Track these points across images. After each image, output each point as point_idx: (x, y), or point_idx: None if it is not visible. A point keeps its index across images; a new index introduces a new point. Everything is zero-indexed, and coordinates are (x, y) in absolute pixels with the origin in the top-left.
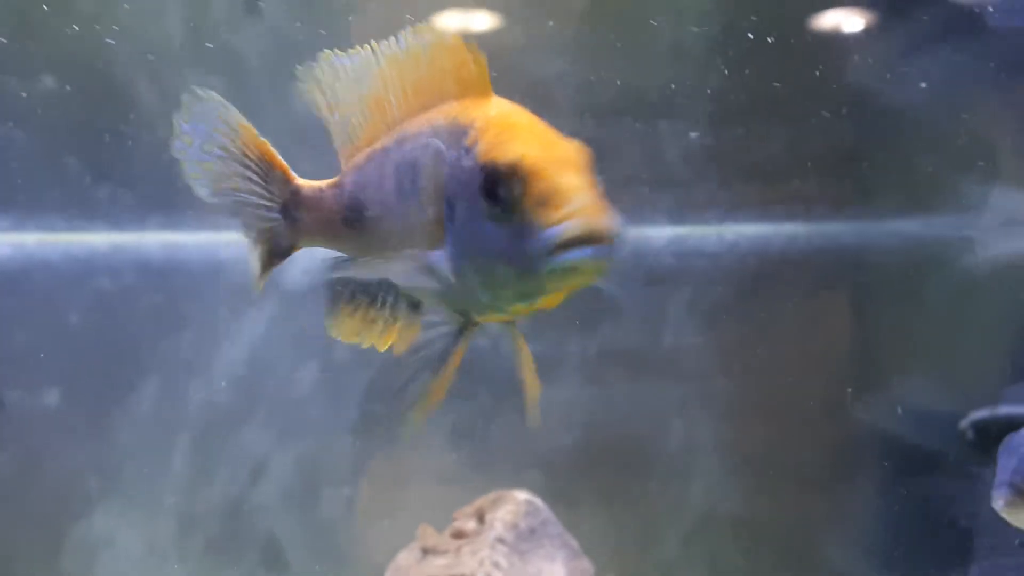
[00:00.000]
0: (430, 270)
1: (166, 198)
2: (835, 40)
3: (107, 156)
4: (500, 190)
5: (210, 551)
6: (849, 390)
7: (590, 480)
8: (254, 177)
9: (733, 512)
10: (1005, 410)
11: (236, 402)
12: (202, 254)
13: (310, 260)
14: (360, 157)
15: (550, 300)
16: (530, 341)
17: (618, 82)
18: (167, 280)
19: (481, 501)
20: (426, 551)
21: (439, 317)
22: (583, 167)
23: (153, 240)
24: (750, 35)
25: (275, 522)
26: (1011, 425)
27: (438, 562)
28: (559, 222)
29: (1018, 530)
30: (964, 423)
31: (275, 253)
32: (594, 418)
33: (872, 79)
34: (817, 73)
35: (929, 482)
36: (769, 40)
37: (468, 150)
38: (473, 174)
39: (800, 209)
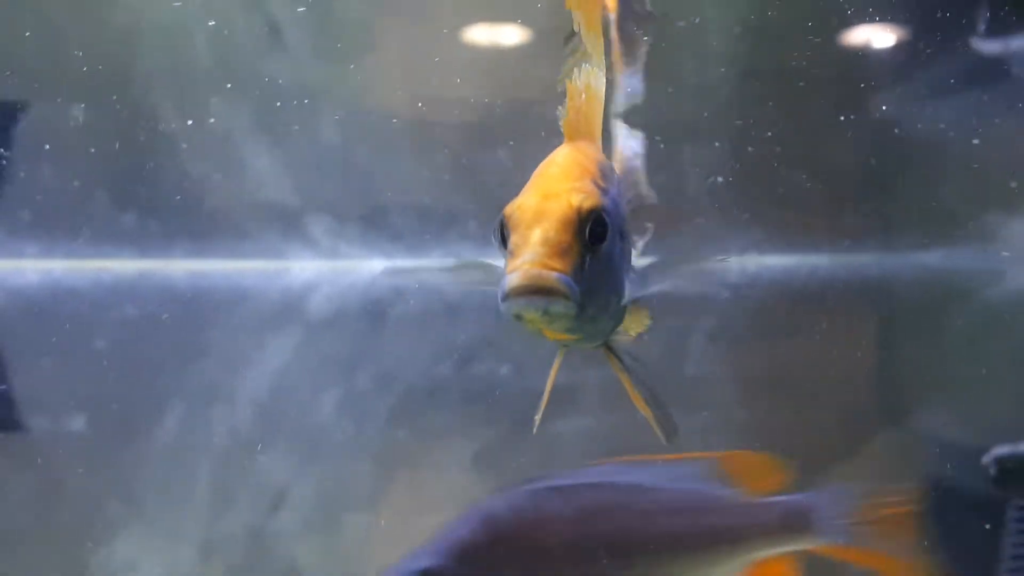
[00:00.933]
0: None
1: (192, 226)
2: (860, 73)
3: (134, 183)
4: (501, 237)
5: None
6: (876, 425)
7: None
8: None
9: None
10: None
11: (258, 428)
12: (227, 282)
13: (332, 287)
14: None
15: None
16: (547, 369)
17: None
18: (192, 307)
19: None
20: None
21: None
22: (563, 221)
23: (179, 268)
24: (775, 66)
25: (296, 549)
26: None
27: None
28: (510, 272)
29: None
30: (986, 458)
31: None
32: (616, 446)
33: (896, 113)
34: (842, 107)
35: (951, 519)
36: (795, 69)
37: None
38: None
39: (823, 241)
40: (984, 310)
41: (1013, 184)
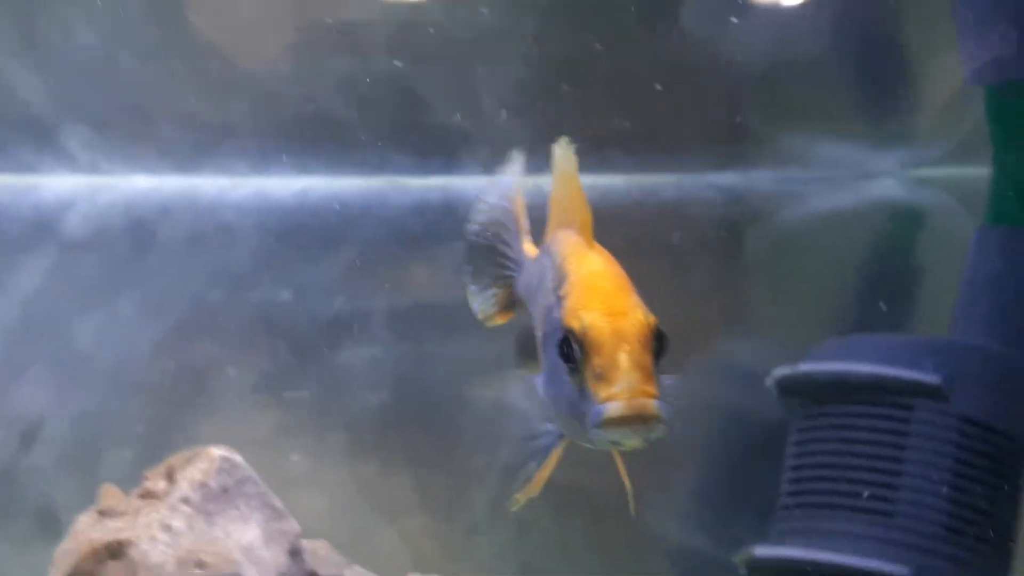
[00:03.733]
0: (534, 390)
1: None
2: None
3: None
4: (571, 353)
5: None
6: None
7: (397, 442)
8: (511, 234)
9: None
10: (805, 367)
11: (7, 358)
12: None
13: (90, 205)
14: (542, 247)
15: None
16: (333, 296)
17: (431, 30)
18: None
19: (173, 458)
20: (103, 513)
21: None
22: (643, 341)
23: None
24: None
25: (51, 487)
26: (809, 381)
27: (112, 524)
28: (607, 399)
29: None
30: (769, 380)
31: (509, 303)
32: (403, 377)
33: (693, 30)
34: (636, 23)
35: (741, 441)
36: None
37: (560, 301)
38: (558, 327)
39: (617, 162)
40: (781, 233)
41: (811, 104)
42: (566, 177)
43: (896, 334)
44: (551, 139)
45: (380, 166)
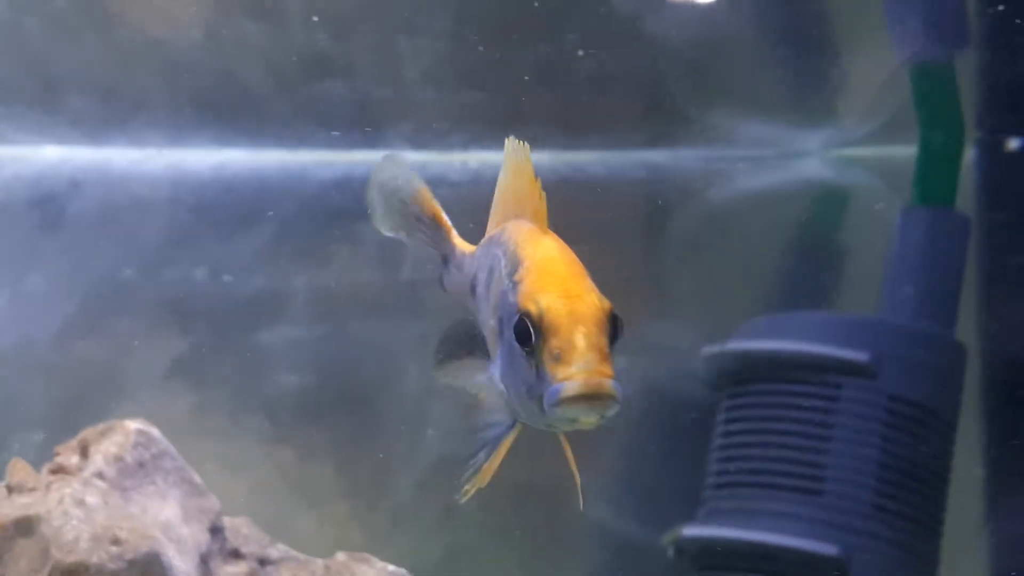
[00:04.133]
0: (490, 378)
1: None
2: None
3: None
4: (528, 336)
5: None
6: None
7: (319, 425)
8: (424, 229)
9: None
10: (733, 344)
11: None
12: None
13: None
14: (485, 239)
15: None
16: (251, 274)
17: None
18: None
19: (87, 432)
20: (12, 489)
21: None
22: (599, 323)
23: None
24: None
25: None
26: (737, 359)
27: (21, 500)
28: (565, 379)
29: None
30: (696, 359)
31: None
32: (325, 359)
33: (622, 5)
34: None
35: (672, 421)
36: None
37: (515, 286)
38: (514, 311)
39: (543, 137)
40: (708, 211)
41: (738, 81)
42: (518, 168)
43: (824, 312)
44: (475, 112)
45: (301, 139)
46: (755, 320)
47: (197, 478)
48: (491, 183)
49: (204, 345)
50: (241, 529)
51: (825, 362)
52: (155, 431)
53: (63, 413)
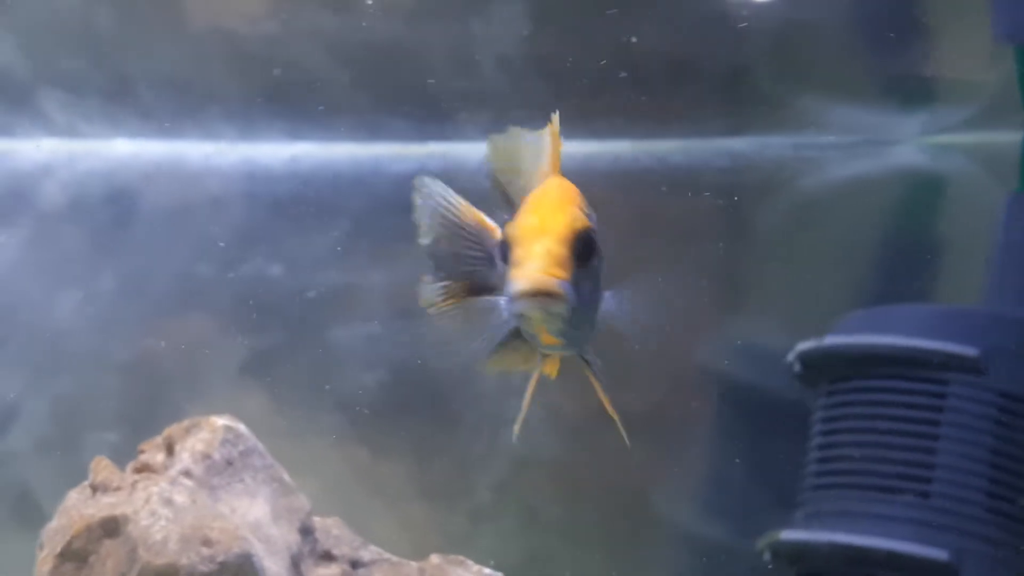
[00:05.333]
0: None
1: None
2: None
3: None
4: (506, 252)
5: None
6: (678, 325)
7: (397, 423)
8: (468, 235)
9: (550, 458)
10: (830, 340)
11: None
12: None
13: (69, 172)
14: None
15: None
16: (326, 270)
17: None
18: None
19: (172, 429)
20: (96, 488)
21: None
22: (561, 237)
23: None
24: None
25: (30, 470)
26: (837, 356)
27: (106, 500)
28: (515, 278)
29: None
30: (791, 355)
31: (477, 289)
32: (403, 356)
33: None
34: None
35: (761, 420)
36: None
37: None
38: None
39: (625, 126)
40: (797, 201)
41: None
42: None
43: (927, 305)
44: (553, 101)
45: (374, 131)
46: (854, 314)
47: (286, 476)
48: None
49: (278, 342)
50: (332, 530)
51: (931, 357)
52: (242, 427)
53: (137, 411)
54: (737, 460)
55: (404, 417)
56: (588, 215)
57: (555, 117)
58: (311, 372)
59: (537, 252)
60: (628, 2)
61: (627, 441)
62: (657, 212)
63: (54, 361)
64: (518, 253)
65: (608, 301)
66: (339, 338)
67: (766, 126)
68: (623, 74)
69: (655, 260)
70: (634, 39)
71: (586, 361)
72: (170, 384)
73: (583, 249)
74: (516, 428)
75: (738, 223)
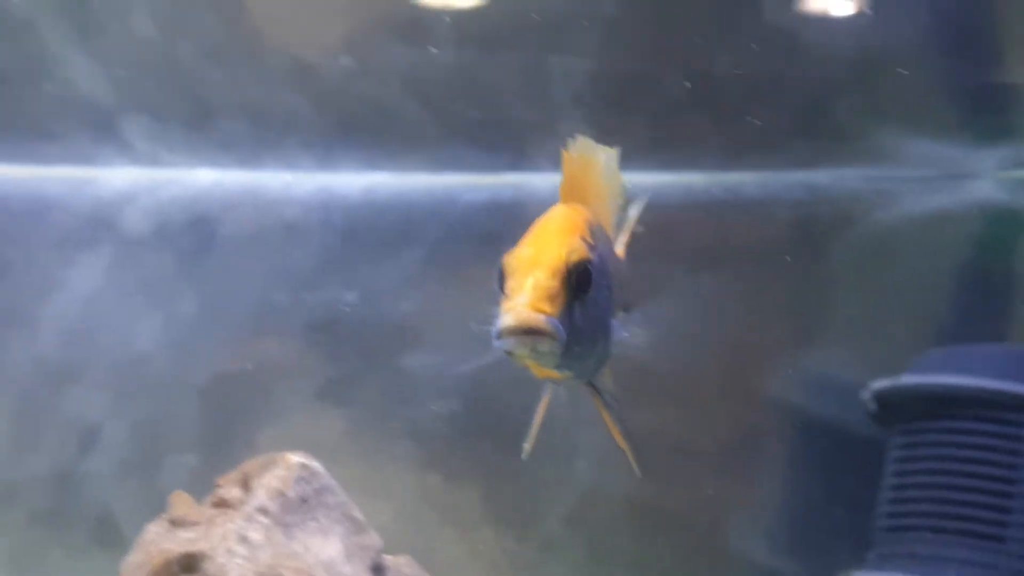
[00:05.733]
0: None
1: None
2: None
3: None
4: (501, 283)
5: (35, 524)
6: (751, 359)
7: (467, 452)
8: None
9: (621, 491)
10: (907, 379)
11: (65, 360)
12: (27, 190)
13: (151, 199)
14: None
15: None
16: (400, 298)
17: (500, 18)
18: None
19: (248, 465)
20: (174, 523)
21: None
22: (552, 270)
23: None
24: None
25: (110, 492)
26: (913, 395)
27: (184, 535)
28: (504, 313)
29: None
30: (866, 393)
31: None
32: (473, 386)
33: (783, 17)
34: (721, 12)
35: (833, 457)
36: None
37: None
38: None
39: (698, 157)
40: (873, 235)
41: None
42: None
43: (1006, 345)
44: (625, 133)
45: (448, 162)
46: (931, 352)
47: (358, 514)
48: (640, 205)
49: (353, 369)
50: (403, 568)
51: (1009, 399)
52: (317, 464)
53: (215, 435)
54: (811, 496)
55: (475, 445)
56: (593, 246)
57: (570, 141)
58: (384, 398)
59: (527, 286)
60: (701, 32)
61: (636, 471)
62: (730, 244)
63: (135, 385)
64: (510, 285)
65: (618, 330)
66: (412, 365)
67: (842, 158)
68: (696, 105)
69: (727, 294)
70: (708, 69)
71: (596, 389)
72: (247, 409)
73: (579, 281)
74: (527, 447)
75: (813, 256)
